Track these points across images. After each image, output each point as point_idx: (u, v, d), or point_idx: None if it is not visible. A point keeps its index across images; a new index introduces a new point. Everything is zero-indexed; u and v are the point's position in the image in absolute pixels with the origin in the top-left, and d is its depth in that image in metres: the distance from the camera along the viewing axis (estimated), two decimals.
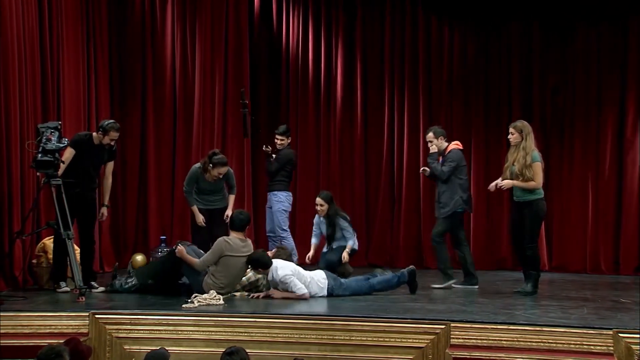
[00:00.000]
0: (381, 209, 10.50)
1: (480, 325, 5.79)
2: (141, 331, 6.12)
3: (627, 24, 9.85)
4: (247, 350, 4.69)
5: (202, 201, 8.17)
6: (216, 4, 10.12)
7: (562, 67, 10.08)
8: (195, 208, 8.12)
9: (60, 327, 6.06)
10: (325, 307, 6.74)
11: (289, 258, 7.67)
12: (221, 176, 8.07)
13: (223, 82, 10.17)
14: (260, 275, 7.38)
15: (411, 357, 5.78)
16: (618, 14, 9.86)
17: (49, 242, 7.63)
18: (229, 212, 8.06)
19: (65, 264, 7.19)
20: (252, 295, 7.15)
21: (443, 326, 5.80)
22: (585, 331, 5.61)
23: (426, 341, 5.78)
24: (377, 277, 7.52)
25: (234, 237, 7.26)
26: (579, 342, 5.56)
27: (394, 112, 10.52)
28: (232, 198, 8.29)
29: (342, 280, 7.40)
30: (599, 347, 5.53)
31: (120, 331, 6.11)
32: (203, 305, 6.52)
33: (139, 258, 8.75)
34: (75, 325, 6.09)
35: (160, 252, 8.58)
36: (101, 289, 7.44)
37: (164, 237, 9.10)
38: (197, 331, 6.07)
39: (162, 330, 6.09)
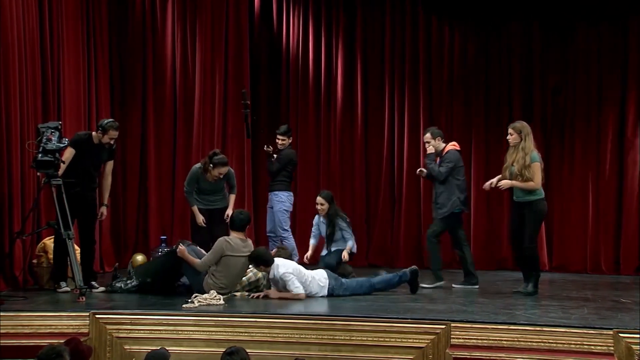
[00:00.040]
0: (381, 209, 10.50)
1: (481, 325, 5.79)
2: (141, 331, 6.12)
3: (627, 24, 9.84)
4: (248, 350, 4.69)
5: (203, 201, 8.18)
6: (216, 4, 10.12)
7: (562, 67, 10.08)
8: (195, 208, 8.12)
9: (60, 327, 6.07)
10: (325, 307, 6.75)
11: (289, 258, 7.66)
12: (222, 176, 8.08)
13: (223, 82, 10.17)
14: (260, 275, 7.38)
15: (411, 357, 5.78)
16: (618, 14, 9.86)
17: (49, 242, 7.64)
18: (229, 211, 8.07)
19: (66, 264, 7.19)
20: (251, 295, 7.16)
21: (443, 326, 5.80)
22: (585, 331, 5.61)
23: (426, 341, 5.78)
24: (379, 276, 7.54)
25: (234, 237, 7.26)
26: (579, 342, 5.56)
27: (394, 112, 10.52)
28: (232, 198, 8.30)
29: (343, 280, 7.41)
30: (599, 347, 5.53)
31: (120, 331, 6.11)
32: (203, 305, 6.52)
33: (139, 258, 8.74)
34: (75, 325, 6.09)
35: (161, 252, 8.58)
36: (101, 288, 7.44)
37: (164, 237, 9.10)
38: (198, 331, 6.07)
39: (162, 330, 6.09)
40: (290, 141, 9.15)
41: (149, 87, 9.94)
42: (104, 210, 7.70)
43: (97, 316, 6.15)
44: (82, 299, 6.71)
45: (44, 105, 8.11)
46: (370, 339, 5.86)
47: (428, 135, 8.24)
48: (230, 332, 6.01)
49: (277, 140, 9.06)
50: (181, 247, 7.19)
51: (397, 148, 10.49)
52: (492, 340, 5.68)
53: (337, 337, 5.90)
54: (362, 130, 10.59)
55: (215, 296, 6.73)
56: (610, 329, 5.60)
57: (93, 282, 7.46)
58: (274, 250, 8.00)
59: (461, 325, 5.80)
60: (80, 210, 7.38)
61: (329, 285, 7.21)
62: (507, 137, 7.54)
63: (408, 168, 10.27)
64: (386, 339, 5.84)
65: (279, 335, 5.96)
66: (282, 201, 8.96)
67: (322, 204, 8.53)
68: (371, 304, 6.73)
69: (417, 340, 5.80)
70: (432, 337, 5.78)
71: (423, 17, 10.44)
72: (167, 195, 9.98)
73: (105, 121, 7.50)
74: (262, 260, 7.12)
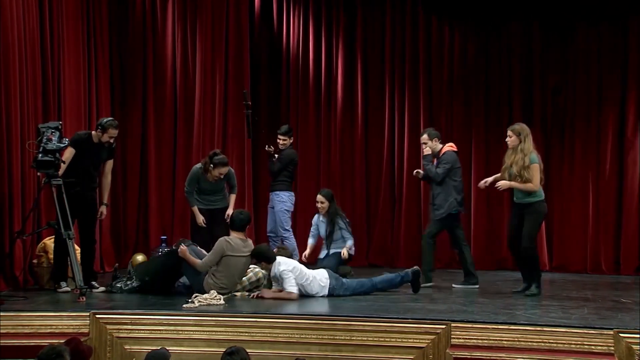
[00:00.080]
0: (382, 209, 10.50)
1: (481, 325, 5.79)
2: (142, 331, 6.12)
3: (627, 24, 9.84)
4: (248, 350, 4.69)
5: (203, 201, 8.18)
6: (217, 4, 10.12)
7: (562, 67, 10.08)
8: (195, 208, 8.13)
9: (60, 327, 6.07)
10: (326, 307, 6.75)
11: (289, 258, 7.67)
12: (222, 176, 8.08)
13: (224, 81, 10.17)
14: (261, 275, 7.39)
15: (412, 357, 5.78)
16: (618, 13, 9.86)
17: (49, 242, 7.64)
18: (229, 211, 8.07)
19: (66, 264, 7.19)
20: (251, 295, 7.16)
21: (444, 326, 5.80)
22: (586, 331, 5.61)
23: (427, 341, 5.78)
24: (381, 276, 7.55)
25: (235, 237, 7.26)
26: (579, 342, 5.56)
27: (395, 112, 10.52)
28: (233, 198, 8.31)
29: (344, 280, 7.41)
30: (599, 347, 5.53)
31: (121, 331, 6.11)
32: (204, 305, 6.53)
33: (140, 258, 8.73)
34: (75, 325, 6.10)
35: (161, 252, 8.57)
36: (102, 288, 7.44)
37: (165, 237, 9.09)
38: (198, 331, 6.07)
39: (162, 330, 6.09)
40: (291, 141, 9.15)
41: (150, 87, 9.94)
42: (103, 209, 7.70)
43: (97, 316, 6.15)
44: (83, 299, 6.71)
45: (44, 105, 8.11)
46: (371, 339, 5.86)
47: (425, 136, 8.25)
48: (231, 332, 6.02)
49: (278, 140, 9.06)
50: (183, 247, 7.19)
51: (397, 148, 10.50)
52: (493, 340, 5.69)
53: (337, 337, 5.90)
54: (362, 130, 10.59)
55: (216, 296, 6.74)
56: (611, 329, 5.60)
57: (93, 282, 7.46)
58: (274, 250, 7.99)
59: (461, 325, 5.80)
60: (81, 210, 7.38)
61: (329, 285, 7.21)
62: (506, 140, 7.54)
63: (408, 168, 10.27)
64: (387, 339, 5.84)
65: (280, 335, 5.97)
66: (283, 201, 8.96)
67: (322, 202, 8.55)
68: (372, 304, 6.73)
69: (418, 340, 5.80)
70: (432, 337, 5.78)
71: (423, 17, 10.44)
72: (168, 195, 9.98)
73: (105, 120, 7.51)
74: (264, 257, 7.14)
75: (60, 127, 6.97)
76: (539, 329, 5.68)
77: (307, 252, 8.67)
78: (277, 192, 9.00)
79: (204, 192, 8.17)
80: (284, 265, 7.08)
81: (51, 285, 7.46)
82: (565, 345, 5.56)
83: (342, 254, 8.35)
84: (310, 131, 10.65)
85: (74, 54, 8.70)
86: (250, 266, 7.42)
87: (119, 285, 7.37)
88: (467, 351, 5.66)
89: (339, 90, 10.63)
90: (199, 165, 8.21)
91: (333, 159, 10.62)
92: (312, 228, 8.76)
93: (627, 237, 9.72)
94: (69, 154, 7.25)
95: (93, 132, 7.51)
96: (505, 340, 5.66)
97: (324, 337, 5.91)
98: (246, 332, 5.99)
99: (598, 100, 9.92)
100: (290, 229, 9.05)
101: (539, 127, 10.00)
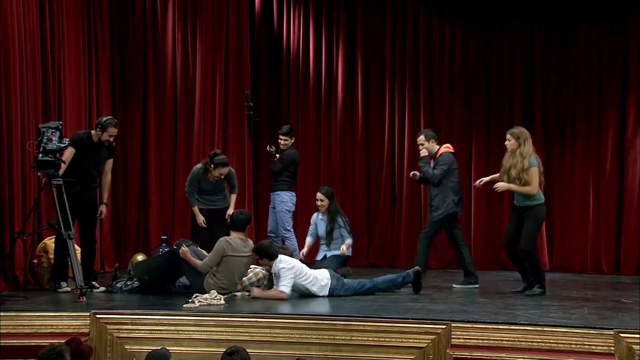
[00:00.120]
0: (382, 209, 10.50)
1: (481, 326, 5.79)
2: (142, 331, 6.12)
3: (628, 24, 9.84)
4: (248, 350, 4.69)
5: (204, 201, 8.18)
6: (217, 4, 10.12)
7: (563, 66, 10.07)
8: (196, 209, 8.13)
9: (61, 327, 6.07)
10: (326, 307, 6.75)
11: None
12: (223, 176, 8.09)
13: (224, 81, 10.16)
14: (261, 276, 7.38)
15: (412, 357, 5.78)
16: (619, 13, 9.85)
17: (49, 242, 7.64)
18: (230, 211, 8.06)
19: (66, 264, 7.19)
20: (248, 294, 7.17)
21: (444, 326, 5.80)
22: (586, 331, 5.61)
23: (427, 341, 5.78)
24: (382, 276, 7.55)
25: (235, 237, 7.26)
26: (580, 342, 5.56)
27: (395, 111, 10.52)
28: (233, 197, 8.32)
29: (345, 280, 7.40)
30: (600, 347, 5.53)
31: (121, 331, 6.12)
32: (204, 305, 6.53)
33: (140, 258, 8.74)
34: (76, 325, 6.10)
35: (161, 252, 8.57)
36: (102, 288, 7.44)
37: (165, 237, 9.10)
38: (198, 331, 6.07)
39: (163, 330, 6.10)
40: (292, 141, 9.14)
41: (150, 87, 9.95)
42: (103, 208, 7.70)
43: (97, 316, 6.15)
44: (83, 299, 6.71)
45: (45, 105, 8.11)
46: (371, 339, 5.86)
47: (422, 137, 8.24)
48: (231, 332, 6.02)
49: (279, 141, 9.05)
50: (184, 248, 7.18)
51: (398, 148, 10.50)
52: (493, 340, 5.68)
53: (337, 337, 5.90)
54: (362, 130, 10.59)
55: (216, 296, 6.74)
56: (611, 329, 5.60)
57: (94, 282, 7.47)
58: None
59: (462, 325, 5.80)
60: (81, 210, 7.39)
61: (330, 285, 7.21)
62: (505, 143, 7.54)
63: (408, 168, 10.26)
64: (387, 339, 5.84)
65: (280, 335, 5.97)
66: (284, 201, 8.95)
67: (322, 200, 8.54)
68: (372, 304, 6.73)
69: (418, 340, 5.80)
70: (432, 337, 5.78)
71: (423, 17, 10.44)
72: (168, 195, 9.98)
73: (104, 118, 7.51)
74: (266, 254, 7.15)
75: (60, 127, 6.97)
76: (539, 329, 5.68)
77: (304, 250, 8.66)
78: (278, 192, 8.99)
79: (205, 192, 8.17)
80: (284, 263, 7.09)
81: (51, 285, 7.46)
82: (566, 345, 5.56)
83: (341, 249, 8.35)
84: (310, 131, 10.64)
85: (74, 54, 8.71)
86: (251, 266, 7.42)
87: (119, 285, 7.38)
88: (468, 351, 5.66)
89: (339, 90, 10.62)
90: (199, 165, 8.21)
91: (333, 158, 10.62)
92: (310, 226, 8.75)
93: (627, 237, 9.71)
94: (69, 153, 7.25)
95: (92, 132, 7.51)
96: (505, 340, 5.66)
97: (324, 337, 5.91)
98: (246, 332, 5.99)
99: (598, 100, 9.92)
100: (292, 229, 9.05)
101: (540, 127, 10.01)
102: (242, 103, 9.47)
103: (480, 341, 5.70)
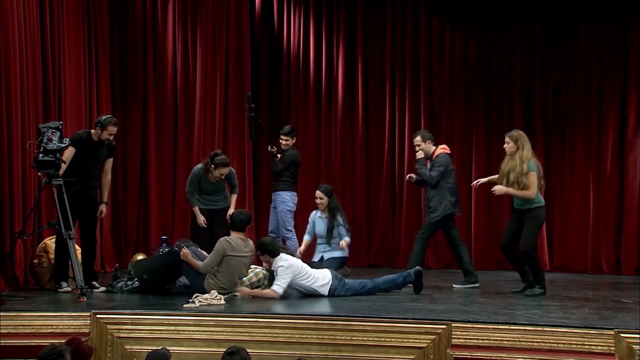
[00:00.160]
0: (382, 209, 10.50)
1: (482, 325, 5.79)
2: (142, 331, 6.12)
3: (628, 24, 9.83)
4: (248, 350, 4.69)
5: (204, 201, 8.19)
6: (217, 4, 10.12)
7: (563, 66, 10.07)
8: (196, 209, 8.13)
9: (61, 327, 6.08)
10: (326, 307, 6.75)
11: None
12: (223, 177, 8.09)
13: (224, 82, 10.16)
14: (261, 276, 7.38)
15: (412, 357, 5.78)
16: (619, 13, 9.85)
17: (50, 242, 7.65)
18: (231, 211, 8.07)
19: (67, 264, 7.20)
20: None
21: (444, 326, 5.80)
22: (586, 331, 5.61)
23: (427, 341, 5.78)
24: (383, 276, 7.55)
25: (235, 237, 7.26)
26: (580, 342, 5.56)
27: (395, 111, 10.52)
28: (234, 197, 8.33)
29: (346, 280, 7.40)
30: (600, 347, 5.53)
31: (121, 331, 6.12)
32: (204, 305, 6.53)
33: (140, 258, 8.75)
34: (76, 325, 6.10)
35: (162, 252, 8.58)
36: (102, 288, 7.44)
37: (165, 237, 9.11)
38: (199, 331, 6.07)
39: (163, 330, 6.10)
40: (294, 141, 9.13)
41: (150, 87, 9.95)
42: (103, 207, 7.70)
43: (98, 316, 6.15)
44: (83, 299, 6.71)
45: (45, 105, 8.12)
46: (371, 339, 5.86)
47: (418, 138, 8.24)
48: (231, 332, 6.02)
49: (280, 141, 9.05)
50: (185, 250, 7.18)
51: (398, 148, 10.49)
52: (493, 340, 5.68)
53: (338, 337, 5.90)
54: (362, 130, 10.59)
55: (216, 296, 6.74)
56: (611, 329, 5.60)
57: (94, 282, 7.47)
58: None
59: (462, 325, 5.80)
60: (81, 210, 7.39)
61: (331, 285, 7.21)
62: (504, 146, 7.54)
63: (409, 168, 10.25)
64: (387, 339, 5.84)
65: (280, 335, 5.97)
66: (285, 201, 8.95)
67: (321, 198, 8.54)
68: (372, 304, 6.73)
69: (418, 340, 5.80)
70: (433, 337, 5.78)
71: (424, 17, 10.44)
72: (168, 195, 9.98)
73: (104, 117, 7.53)
74: (268, 250, 7.16)
75: (60, 127, 6.97)
76: (539, 329, 5.68)
77: (301, 248, 8.65)
78: (280, 192, 8.99)
79: (205, 193, 8.18)
80: (283, 261, 7.10)
81: (52, 285, 7.46)
82: (566, 346, 5.56)
83: (340, 244, 8.34)
84: (310, 131, 10.64)
85: (74, 54, 8.71)
86: (251, 266, 7.42)
87: (119, 285, 7.38)
88: (468, 351, 5.66)
89: (339, 90, 10.62)
90: (200, 165, 8.22)
91: (333, 158, 10.62)
92: (308, 225, 8.74)
93: (627, 237, 9.71)
94: (69, 153, 7.25)
95: (92, 131, 7.52)
96: (505, 340, 5.66)
97: (324, 337, 5.91)
98: (246, 332, 5.99)
99: (599, 100, 9.92)
100: (293, 229, 9.04)
101: (540, 127, 10.01)
102: (242, 103, 9.47)
103: (480, 341, 5.70)
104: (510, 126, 9.66)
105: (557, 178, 9.93)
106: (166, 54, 10.00)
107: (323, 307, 6.76)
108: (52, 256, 7.50)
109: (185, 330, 6.09)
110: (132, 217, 9.87)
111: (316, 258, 8.51)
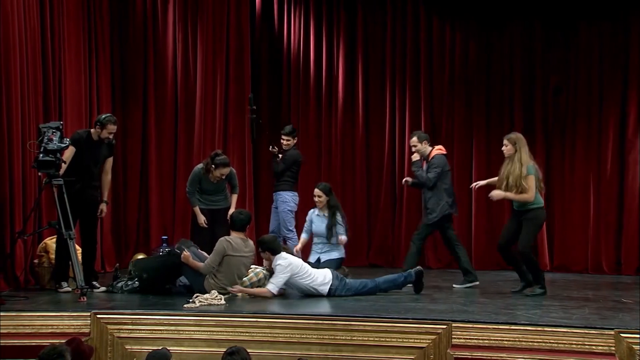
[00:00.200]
0: (383, 209, 10.50)
1: (482, 326, 5.79)
2: (143, 331, 6.12)
3: (628, 24, 9.84)
4: (249, 350, 4.69)
5: (205, 201, 8.19)
6: (217, 4, 10.12)
7: (563, 66, 10.07)
8: (197, 209, 8.14)
9: (61, 327, 6.08)
10: (326, 307, 6.75)
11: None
12: (224, 177, 8.09)
13: (224, 82, 10.16)
14: (262, 276, 7.38)
15: (413, 357, 5.78)
16: (619, 13, 9.85)
17: (50, 242, 7.65)
18: (231, 211, 8.06)
19: (67, 264, 7.20)
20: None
21: (445, 326, 5.80)
22: (586, 331, 5.61)
23: (428, 341, 5.78)
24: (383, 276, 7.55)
25: (235, 237, 7.26)
26: (580, 342, 5.56)
27: (396, 111, 10.52)
28: (234, 197, 8.34)
29: (347, 280, 7.40)
30: (600, 348, 5.53)
31: (121, 331, 6.12)
32: (204, 305, 6.53)
33: (140, 258, 8.75)
34: (76, 325, 6.10)
35: (162, 252, 8.58)
36: (103, 288, 7.44)
37: (165, 237, 9.11)
38: (199, 331, 6.08)
39: (163, 330, 6.10)
40: (295, 142, 9.11)
41: (150, 87, 9.95)
42: (103, 207, 7.69)
43: (98, 316, 6.15)
44: (84, 299, 6.72)
45: (45, 105, 8.12)
46: (372, 339, 5.86)
47: (415, 139, 8.23)
48: (231, 332, 6.02)
49: (281, 141, 9.04)
50: (185, 253, 7.18)
51: (398, 148, 10.49)
52: (493, 340, 5.68)
53: (338, 337, 5.90)
54: (363, 130, 10.59)
55: (217, 296, 6.74)
56: (612, 329, 5.60)
57: (94, 282, 7.47)
58: None
59: (462, 325, 5.80)
60: (82, 209, 7.39)
61: (331, 285, 7.21)
62: (502, 149, 7.54)
63: (409, 168, 10.23)
64: (387, 339, 5.84)
65: (280, 335, 5.97)
66: (286, 201, 8.94)
67: (319, 196, 8.50)
68: (372, 304, 6.73)
69: (419, 340, 5.80)
70: (433, 337, 5.78)
71: (424, 17, 10.44)
72: (168, 195, 9.98)
73: (103, 116, 7.53)
74: (268, 247, 7.17)
75: (61, 127, 6.97)
76: (539, 329, 5.68)
77: (298, 246, 8.60)
78: (280, 193, 8.98)
79: (206, 193, 8.18)
80: (282, 260, 7.10)
81: (52, 285, 7.46)
82: (566, 346, 5.56)
83: (339, 239, 8.33)
84: (311, 131, 10.64)
85: (74, 54, 8.71)
86: (251, 266, 7.42)
87: (119, 285, 7.38)
88: (468, 351, 5.66)
89: (339, 90, 10.62)
90: (200, 165, 8.22)
91: (334, 159, 10.63)
92: (306, 223, 8.73)
93: (628, 237, 9.71)
94: (69, 152, 7.25)
95: (92, 130, 7.52)
96: (506, 340, 5.66)
97: (324, 337, 5.91)
98: (246, 332, 5.99)
99: (599, 100, 9.92)
100: (294, 229, 9.02)
101: (540, 127, 10.02)
102: (243, 103, 9.46)
103: (480, 341, 5.70)
104: (510, 126, 9.68)
105: (557, 178, 9.93)
106: (166, 54, 10.00)
107: (323, 307, 6.76)
108: (53, 256, 7.50)
109: (185, 330, 6.09)
110: (132, 217, 9.87)
111: (312, 259, 8.43)
